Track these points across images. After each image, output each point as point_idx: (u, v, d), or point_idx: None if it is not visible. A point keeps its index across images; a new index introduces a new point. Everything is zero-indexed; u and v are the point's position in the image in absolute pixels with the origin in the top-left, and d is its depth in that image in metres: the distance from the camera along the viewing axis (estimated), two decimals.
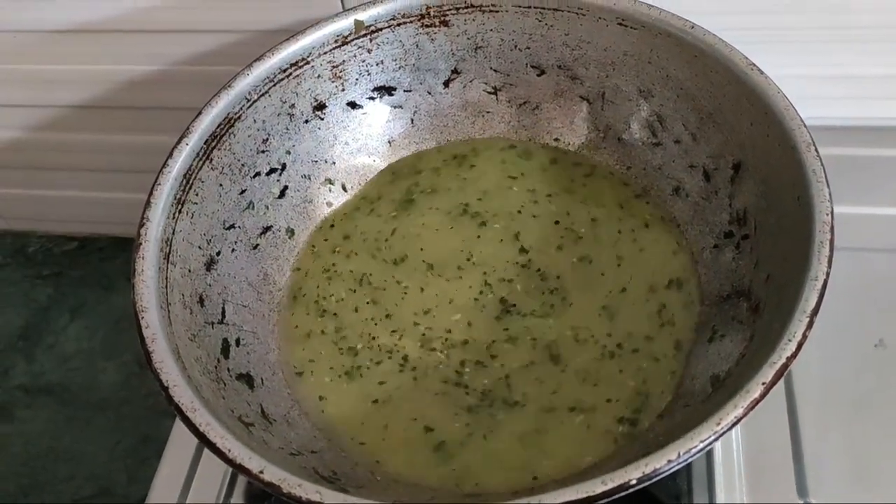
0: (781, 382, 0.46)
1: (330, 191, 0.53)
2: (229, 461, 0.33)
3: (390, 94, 0.53)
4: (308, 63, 0.49)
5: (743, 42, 0.45)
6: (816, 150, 0.40)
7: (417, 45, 0.52)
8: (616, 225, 0.50)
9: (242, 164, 0.48)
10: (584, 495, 0.30)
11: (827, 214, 0.38)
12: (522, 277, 0.48)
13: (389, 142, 0.55)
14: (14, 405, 0.79)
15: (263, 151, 0.49)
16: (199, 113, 0.46)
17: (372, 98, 0.53)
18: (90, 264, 0.87)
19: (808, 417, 0.46)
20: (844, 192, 0.43)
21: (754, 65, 0.44)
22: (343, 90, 0.52)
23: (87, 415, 0.77)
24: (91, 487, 0.73)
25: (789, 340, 0.34)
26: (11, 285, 0.87)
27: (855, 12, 0.53)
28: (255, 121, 0.48)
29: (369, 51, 0.51)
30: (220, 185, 0.47)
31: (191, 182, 0.45)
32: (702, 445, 0.31)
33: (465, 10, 0.51)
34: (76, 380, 0.80)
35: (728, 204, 0.46)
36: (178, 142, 0.45)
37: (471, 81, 0.54)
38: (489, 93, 0.54)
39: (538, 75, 0.53)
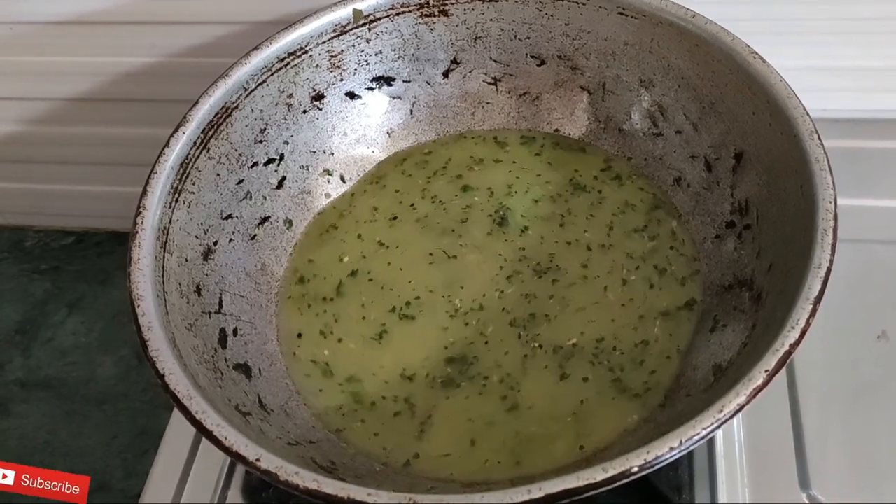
0: (784, 374, 0.46)
1: (328, 182, 0.52)
2: (226, 449, 0.33)
3: (389, 85, 0.53)
4: (306, 52, 0.49)
5: (744, 33, 0.45)
6: (819, 138, 0.40)
7: (416, 35, 0.51)
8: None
9: (240, 154, 0.48)
10: (586, 482, 0.30)
11: (830, 202, 0.37)
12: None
13: (388, 132, 0.54)
14: (11, 400, 0.78)
15: (261, 141, 0.49)
16: (197, 102, 0.45)
17: (371, 88, 0.53)
18: (87, 259, 0.87)
19: (811, 410, 0.46)
20: (847, 184, 0.43)
21: (756, 53, 0.43)
22: (341, 80, 0.51)
23: (84, 409, 0.77)
24: None
25: (792, 328, 0.33)
26: (8, 280, 0.87)
27: (857, 3, 0.53)
28: (252, 110, 0.48)
29: (368, 41, 0.51)
30: (218, 174, 0.46)
31: (188, 171, 0.44)
32: (704, 433, 0.31)
33: (465, 0, 0.50)
34: (73, 374, 0.79)
35: (730, 194, 0.46)
36: (175, 130, 0.44)
37: (470, 72, 0.53)
38: (489, 83, 0.54)
39: (538, 66, 0.52)
